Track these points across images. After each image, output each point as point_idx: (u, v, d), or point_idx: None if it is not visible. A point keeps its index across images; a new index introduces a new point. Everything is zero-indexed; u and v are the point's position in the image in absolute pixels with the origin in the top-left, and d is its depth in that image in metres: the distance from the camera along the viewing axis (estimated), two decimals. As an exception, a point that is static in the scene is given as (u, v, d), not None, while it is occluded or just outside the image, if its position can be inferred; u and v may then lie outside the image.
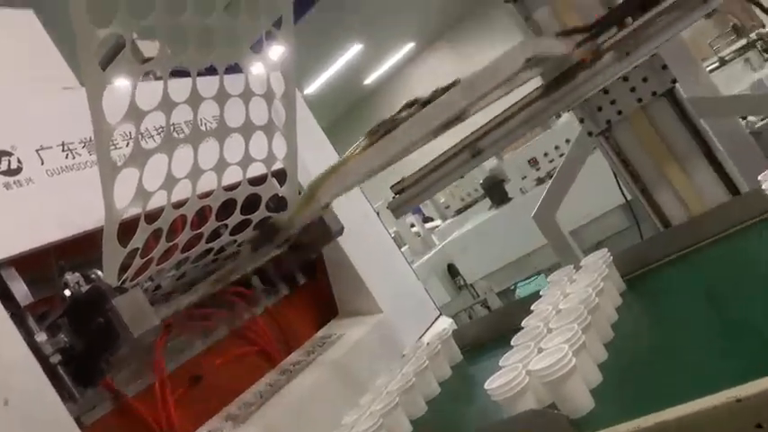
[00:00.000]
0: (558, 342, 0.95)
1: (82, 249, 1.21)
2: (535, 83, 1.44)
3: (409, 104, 1.11)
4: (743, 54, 4.73)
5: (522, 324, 1.18)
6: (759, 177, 1.06)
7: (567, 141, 3.39)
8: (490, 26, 9.87)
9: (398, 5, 8.81)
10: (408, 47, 11.06)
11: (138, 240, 1.10)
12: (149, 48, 1.42)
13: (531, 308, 1.25)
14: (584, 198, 2.48)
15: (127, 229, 1.07)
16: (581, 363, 0.91)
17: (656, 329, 1.13)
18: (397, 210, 1.69)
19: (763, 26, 4.50)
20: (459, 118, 1.15)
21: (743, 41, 4.76)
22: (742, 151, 1.72)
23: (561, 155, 3.45)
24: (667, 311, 1.17)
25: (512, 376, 0.92)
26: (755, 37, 4.67)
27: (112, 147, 1.18)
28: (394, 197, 1.75)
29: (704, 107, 1.63)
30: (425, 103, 1.06)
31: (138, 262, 1.13)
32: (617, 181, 1.86)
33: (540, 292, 1.34)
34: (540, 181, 3.58)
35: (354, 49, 9.63)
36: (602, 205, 3.05)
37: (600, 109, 1.64)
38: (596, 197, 2.63)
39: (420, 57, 11.61)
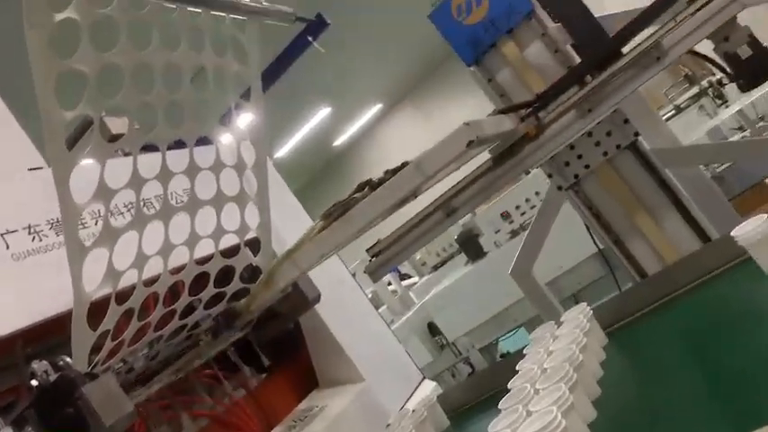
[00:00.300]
0: (547, 404, 0.94)
1: (49, 335, 1.16)
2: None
3: (361, 186, 1.12)
4: (697, 101, 4.93)
5: (509, 386, 1.16)
6: (733, 233, 1.08)
7: (537, 194, 3.45)
8: (453, 85, 10.17)
9: (365, 68, 9.06)
10: (376, 108, 11.31)
11: (108, 322, 1.06)
12: (117, 124, 1.42)
13: (517, 368, 1.23)
14: (559, 249, 2.50)
15: (97, 310, 1.03)
16: (571, 424, 0.89)
17: (642, 383, 1.12)
18: (374, 273, 1.68)
19: (713, 74, 4.72)
20: (413, 195, 1.17)
21: (695, 89, 4.97)
22: (706, 197, 1.76)
23: (533, 207, 3.50)
24: (651, 363, 1.16)
25: (502, 444, 0.89)
26: (707, 84, 4.88)
27: (81, 226, 1.15)
28: (370, 260, 1.74)
29: (667, 158, 1.68)
30: (377, 184, 1.08)
31: (109, 344, 1.09)
32: (589, 232, 1.89)
33: (524, 351, 1.32)
34: (514, 234, 3.61)
35: (323, 113, 9.80)
36: (577, 255, 3.07)
37: (567, 164, 1.68)
38: (570, 247, 2.66)
39: (387, 117, 11.87)
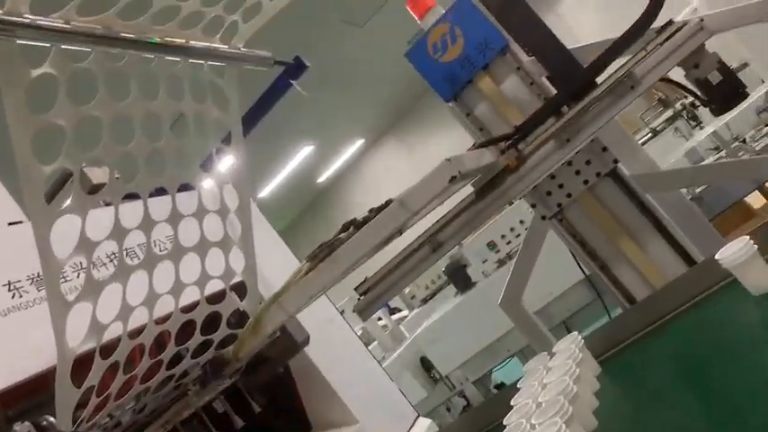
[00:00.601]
0: (543, 440, 0.92)
1: (32, 394, 1.13)
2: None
3: (346, 226, 1.12)
4: (672, 123, 5.04)
5: (505, 422, 1.14)
6: (717, 256, 1.09)
7: (522, 222, 3.47)
8: (434, 119, 10.29)
9: (347, 105, 9.15)
10: (359, 143, 11.39)
11: (93, 377, 1.03)
12: (98, 174, 1.42)
13: (511, 402, 1.21)
14: (547, 276, 2.51)
15: (81, 365, 1.01)
16: (569, 460, 0.88)
17: (637, 410, 1.11)
18: (363, 311, 1.67)
19: (686, 97, 4.83)
20: (398, 232, 1.17)
21: (670, 112, 5.08)
22: (688, 220, 1.78)
23: (518, 235, 3.52)
24: (646, 391, 1.15)
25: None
26: (680, 107, 4.99)
27: (63, 279, 1.14)
28: (359, 298, 1.72)
29: (648, 183, 1.70)
30: (362, 223, 1.08)
31: (94, 400, 1.06)
32: (575, 259, 1.90)
33: (518, 384, 1.31)
34: (501, 263, 3.62)
35: (306, 150, 9.85)
36: (564, 282, 3.08)
37: (549, 193, 1.69)
38: (558, 275, 2.66)
39: (370, 151, 11.94)
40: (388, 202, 1.08)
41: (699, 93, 1.55)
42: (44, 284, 0.98)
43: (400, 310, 6.04)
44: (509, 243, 3.57)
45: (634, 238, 1.62)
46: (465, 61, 1.80)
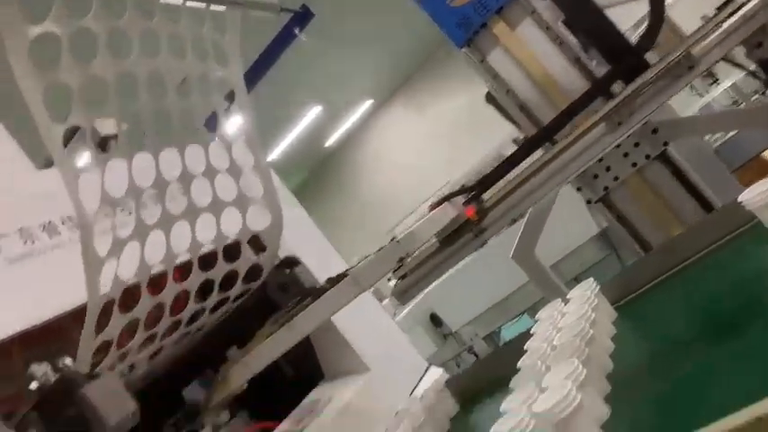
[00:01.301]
0: (560, 379, 0.91)
1: (45, 340, 1.14)
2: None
3: (306, 293, 1.27)
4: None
5: (519, 365, 1.13)
6: (740, 198, 1.05)
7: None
8: (443, 77, 10.14)
9: (354, 64, 9.01)
10: (367, 104, 11.26)
11: (112, 330, 1.04)
12: (106, 125, 1.40)
13: (525, 347, 1.20)
14: (559, 232, 2.48)
15: (102, 316, 1.03)
16: (586, 398, 0.87)
17: (656, 355, 1.09)
18: (402, 295, 1.63)
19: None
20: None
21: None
22: (709, 168, 1.73)
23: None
24: (664, 336, 1.14)
25: (517, 420, 0.87)
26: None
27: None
28: (397, 282, 1.68)
29: (671, 129, 1.64)
30: (317, 295, 1.20)
31: (114, 353, 1.07)
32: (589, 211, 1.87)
33: (531, 331, 1.30)
34: (513, 220, 3.58)
35: (313, 112, 9.75)
36: (577, 238, 3.05)
37: (596, 176, 1.66)
38: (570, 229, 2.64)
39: (379, 113, 11.80)
40: (342, 276, 1.18)
41: (762, 73, 1.47)
42: (80, 238, 0.98)
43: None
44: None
45: (684, 224, 1.57)
46: (478, 4, 1.74)
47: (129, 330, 1.09)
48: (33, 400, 1.04)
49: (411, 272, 1.58)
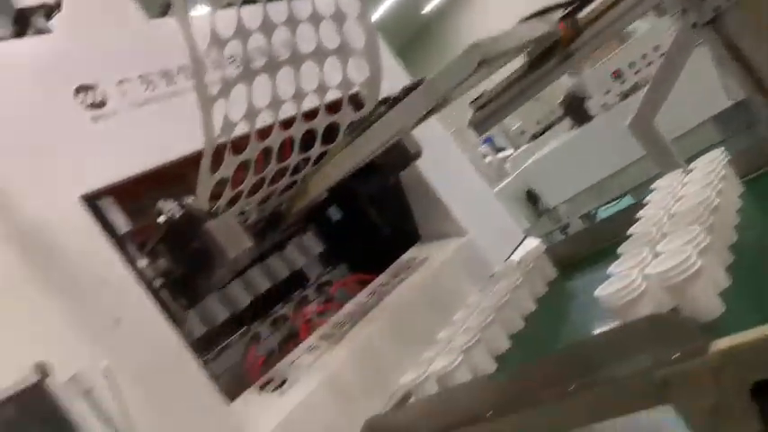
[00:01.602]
0: (679, 245, 0.86)
1: (169, 181, 1.21)
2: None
3: (382, 102, 1.19)
4: None
5: (629, 232, 1.08)
6: None
7: (656, 49, 3.11)
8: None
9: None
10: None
11: (226, 169, 1.08)
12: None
13: (637, 216, 1.14)
14: (677, 108, 2.28)
15: (216, 158, 1.07)
16: (707, 264, 0.81)
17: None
18: (479, 125, 1.58)
19: None
20: (440, 105, 1.18)
21: None
22: None
23: (649, 64, 3.18)
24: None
25: (628, 281, 0.83)
26: None
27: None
28: (475, 113, 1.63)
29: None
30: (393, 103, 1.13)
31: (228, 193, 1.12)
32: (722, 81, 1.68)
33: (645, 200, 1.22)
34: (625, 96, 3.33)
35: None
36: (698, 116, 2.80)
37: None
38: (691, 105, 2.41)
39: (482, -21, 11.02)
40: (417, 83, 1.09)
41: None
42: (192, 78, 1.01)
43: (504, 150, 5.92)
44: (638, 72, 3.25)
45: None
46: None
47: (241, 173, 1.13)
48: (161, 233, 1.14)
49: (491, 101, 1.51)
